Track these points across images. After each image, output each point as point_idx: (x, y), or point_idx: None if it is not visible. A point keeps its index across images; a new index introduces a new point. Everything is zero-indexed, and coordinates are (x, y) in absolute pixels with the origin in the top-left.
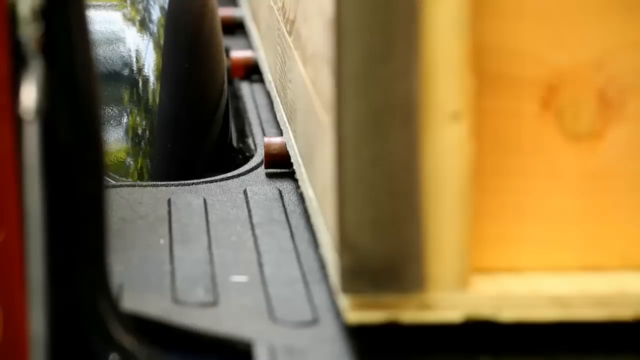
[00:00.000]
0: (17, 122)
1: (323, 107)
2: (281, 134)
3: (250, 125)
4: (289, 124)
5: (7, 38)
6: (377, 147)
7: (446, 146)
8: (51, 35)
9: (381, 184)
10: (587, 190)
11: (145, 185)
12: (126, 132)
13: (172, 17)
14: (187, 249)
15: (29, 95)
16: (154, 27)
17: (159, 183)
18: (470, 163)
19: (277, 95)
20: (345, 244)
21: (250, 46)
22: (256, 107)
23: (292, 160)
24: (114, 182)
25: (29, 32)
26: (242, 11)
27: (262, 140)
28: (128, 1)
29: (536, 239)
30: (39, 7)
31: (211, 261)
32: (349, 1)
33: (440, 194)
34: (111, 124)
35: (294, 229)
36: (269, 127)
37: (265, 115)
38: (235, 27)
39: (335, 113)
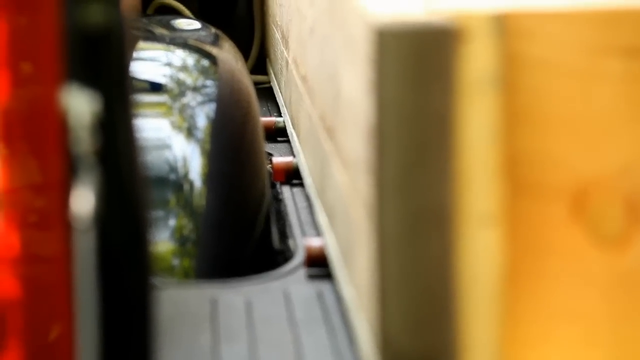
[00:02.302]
0: (68, 227)
1: (362, 210)
2: (321, 236)
3: (291, 227)
4: (329, 225)
5: (62, 148)
6: (415, 249)
7: (481, 249)
8: (102, 144)
9: (419, 285)
10: (617, 293)
11: (190, 286)
12: (172, 233)
13: (217, 124)
14: (229, 346)
15: (84, 204)
16: (199, 134)
17: (204, 283)
18: (504, 266)
19: (316, 198)
20: (385, 341)
21: (290, 151)
22: (296, 210)
23: (331, 261)
24: (160, 282)
25: (85, 142)
26: (283, 118)
27: (303, 242)
28: (175, 110)
29: (567, 339)
30: (98, 119)
31: (253, 359)
32: (388, 111)
33: (475, 294)
34: (158, 226)
35: (333, 327)
36: (309, 229)
37: (305, 217)
38: (277, 134)
39: (375, 216)
